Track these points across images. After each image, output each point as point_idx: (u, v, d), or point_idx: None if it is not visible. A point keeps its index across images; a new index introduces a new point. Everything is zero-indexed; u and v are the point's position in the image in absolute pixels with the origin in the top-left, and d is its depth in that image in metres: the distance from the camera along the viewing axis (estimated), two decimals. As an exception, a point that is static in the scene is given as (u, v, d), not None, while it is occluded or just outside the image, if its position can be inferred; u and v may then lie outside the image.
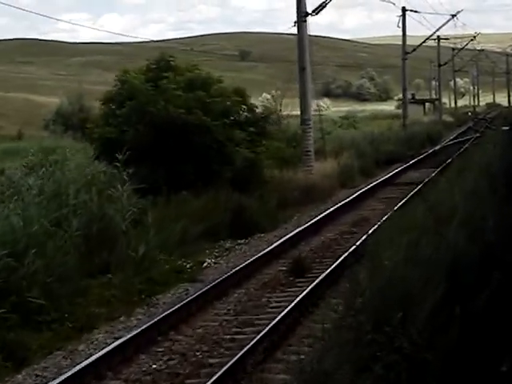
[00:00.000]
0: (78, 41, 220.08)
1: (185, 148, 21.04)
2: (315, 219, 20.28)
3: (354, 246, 15.24)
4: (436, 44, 71.94)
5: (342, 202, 23.14)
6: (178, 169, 20.75)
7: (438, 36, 66.06)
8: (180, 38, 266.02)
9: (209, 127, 21.11)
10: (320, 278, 13.72)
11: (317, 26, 38.76)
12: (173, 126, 20.84)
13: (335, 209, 22.17)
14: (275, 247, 17.04)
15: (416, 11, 49.76)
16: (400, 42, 51.96)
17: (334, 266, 14.54)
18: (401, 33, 51.02)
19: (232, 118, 22.56)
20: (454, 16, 55.64)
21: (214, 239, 18.16)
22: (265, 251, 16.61)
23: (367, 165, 32.04)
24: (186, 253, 16.54)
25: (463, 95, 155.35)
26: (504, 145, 22.42)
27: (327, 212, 21.49)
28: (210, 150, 21.31)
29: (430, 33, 62.10)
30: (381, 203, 23.95)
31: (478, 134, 46.73)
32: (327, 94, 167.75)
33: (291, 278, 14.66)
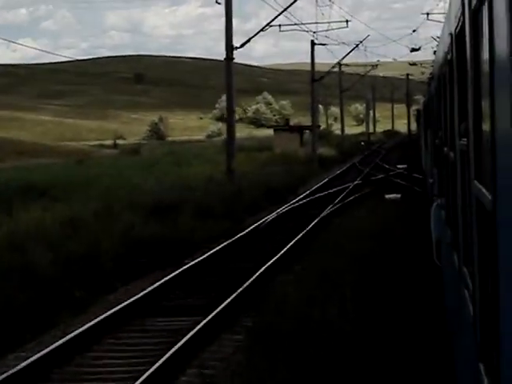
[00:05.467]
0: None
1: None
2: None
3: None
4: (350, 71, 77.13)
5: None
6: None
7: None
8: (72, 61, 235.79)
9: None
10: None
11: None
12: None
13: None
14: None
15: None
16: (304, 68, 47.19)
17: None
18: (305, 60, 49.44)
19: None
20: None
21: None
22: None
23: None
24: None
25: (362, 121, 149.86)
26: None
27: None
28: None
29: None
30: None
31: (358, 181, 33.82)
32: (222, 118, 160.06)
33: None
